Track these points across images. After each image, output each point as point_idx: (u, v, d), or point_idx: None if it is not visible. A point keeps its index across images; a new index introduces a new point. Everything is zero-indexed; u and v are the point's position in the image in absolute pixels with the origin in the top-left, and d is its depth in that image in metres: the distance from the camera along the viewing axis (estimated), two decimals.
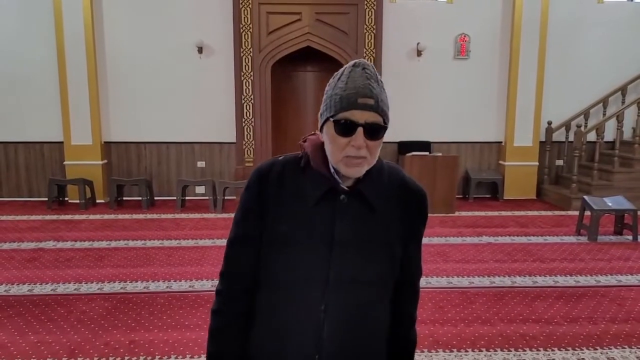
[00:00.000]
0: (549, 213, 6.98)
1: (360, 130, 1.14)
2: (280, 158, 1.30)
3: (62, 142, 7.52)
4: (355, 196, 1.22)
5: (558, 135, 7.93)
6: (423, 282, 4.25)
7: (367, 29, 7.36)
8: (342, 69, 1.21)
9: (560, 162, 8.08)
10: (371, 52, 7.42)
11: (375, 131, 1.15)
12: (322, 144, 1.23)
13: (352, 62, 1.21)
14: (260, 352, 1.29)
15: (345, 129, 1.15)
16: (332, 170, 1.22)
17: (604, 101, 7.84)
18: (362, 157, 1.16)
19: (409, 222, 1.28)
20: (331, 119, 1.16)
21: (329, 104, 1.18)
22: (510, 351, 3.17)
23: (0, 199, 7.71)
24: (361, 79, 1.16)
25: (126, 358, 3.06)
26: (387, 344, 1.34)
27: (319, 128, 1.25)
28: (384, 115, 1.17)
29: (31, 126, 7.57)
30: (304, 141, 1.28)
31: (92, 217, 6.69)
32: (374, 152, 1.18)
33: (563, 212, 7.00)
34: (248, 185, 1.29)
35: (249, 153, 7.43)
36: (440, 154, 7.14)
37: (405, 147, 7.59)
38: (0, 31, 7.34)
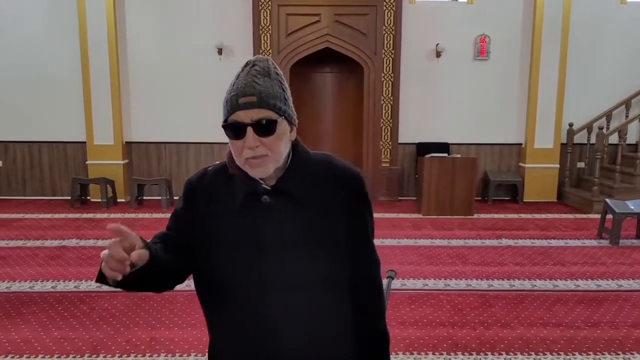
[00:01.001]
0: (570, 216, 6.89)
1: (249, 129, 1.11)
2: (210, 168, 1.29)
3: (84, 142, 7.66)
4: (279, 194, 1.18)
5: (580, 137, 7.81)
6: (441, 284, 4.26)
7: (386, 30, 7.35)
8: None
9: (581, 165, 7.96)
10: (390, 53, 7.41)
11: (265, 127, 1.11)
12: None
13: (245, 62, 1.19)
14: (218, 350, 1.29)
15: (235, 132, 1.12)
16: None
17: (627, 103, 7.70)
18: (262, 155, 1.12)
19: (346, 208, 1.21)
20: (223, 124, 1.15)
21: (222, 110, 1.16)
22: (531, 355, 3.14)
23: (25, 197, 7.88)
24: (246, 77, 1.14)
25: (147, 355, 3.11)
26: (354, 342, 1.27)
27: None
28: (275, 107, 1.12)
29: (55, 126, 7.73)
30: (227, 150, 1.25)
31: (113, 215, 6.80)
32: (275, 148, 1.13)
33: (584, 215, 6.89)
34: (180, 198, 1.30)
35: None
36: (459, 156, 7.10)
37: (423, 148, 7.56)
38: (26, 35, 7.52)
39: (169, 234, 1.28)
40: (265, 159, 1.13)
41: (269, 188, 1.18)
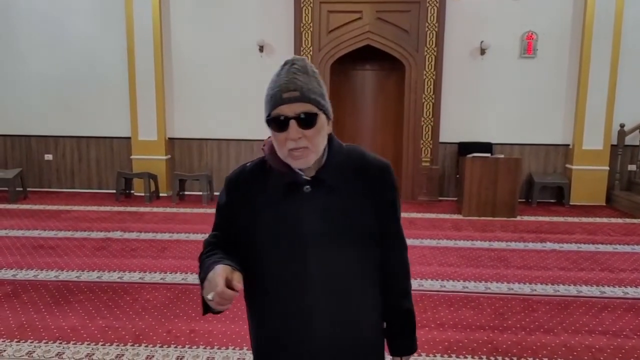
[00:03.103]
0: (620, 220, 6.61)
1: (292, 122, 1.18)
2: (248, 164, 1.36)
3: (129, 138, 7.90)
4: (318, 183, 1.25)
5: (631, 139, 7.47)
6: (482, 287, 4.16)
7: (429, 27, 7.24)
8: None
9: (633, 167, 7.62)
10: (432, 51, 7.30)
11: (308, 120, 1.19)
12: None
13: (284, 62, 1.26)
14: (261, 349, 1.37)
15: (279, 125, 1.20)
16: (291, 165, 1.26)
17: None
18: (303, 147, 1.19)
19: (377, 196, 1.31)
20: (267, 119, 1.22)
21: (265, 106, 1.24)
22: None
23: (73, 190, 8.19)
24: (287, 74, 1.21)
25: (187, 346, 3.17)
26: (383, 318, 1.40)
27: None
28: (315, 102, 1.20)
29: (102, 122, 8.00)
30: (264, 145, 1.33)
31: (155, 209, 6.97)
32: (315, 140, 1.21)
33: (635, 220, 6.60)
34: (220, 194, 1.37)
35: None
36: (502, 156, 6.93)
37: (465, 148, 7.41)
38: (76, 35, 7.81)
39: (219, 236, 1.36)
40: (307, 151, 1.21)
41: (309, 179, 1.26)
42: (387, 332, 1.42)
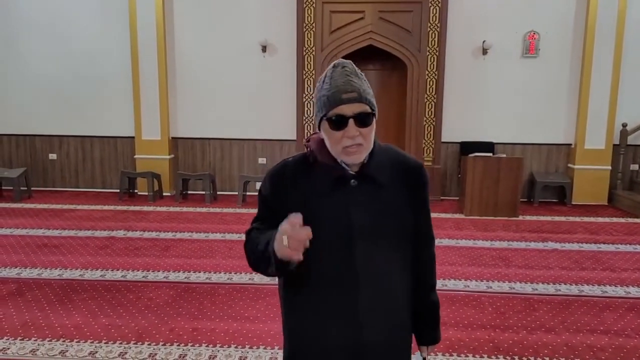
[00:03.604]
0: (622, 220, 6.61)
1: (351, 121, 1.27)
2: (290, 159, 1.43)
3: (133, 137, 7.93)
4: (364, 178, 1.35)
5: (634, 138, 7.47)
6: (483, 286, 4.18)
7: (431, 27, 7.25)
8: (324, 72, 1.35)
9: (635, 167, 7.62)
10: (434, 51, 7.31)
11: (364, 119, 1.29)
12: (324, 140, 1.36)
13: (331, 65, 1.34)
14: (301, 338, 1.40)
15: (338, 123, 1.28)
16: (338, 160, 1.34)
17: None
18: (358, 144, 1.29)
19: (413, 192, 1.41)
20: (325, 118, 1.29)
21: (319, 105, 1.31)
22: None
23: (77, 189, 8.23)
24: (342, 77, 1.29)
25: (189, 344, 3.19)
26: (412, 308, 1.48)
27: (317, 127, 1.37)
28: (369, 103, 1.30)
29: (106, 122, 8.03)
30: (308, 141, 1.42)
31: (159, 209, 7.00)
32: (368, 138, 1.31)
33: (637, 220, 6.59)
34: (263, 187, 1.41)
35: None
36: (504, 156, 6.92)
37: (467, 147, 7.42)
38: (80, 34, 7.84)
39: (263, 227, 1.40)
40: (360, 148, 1.30)
41: (354, 173, 1.35)
42: (416, 324, 1.51)
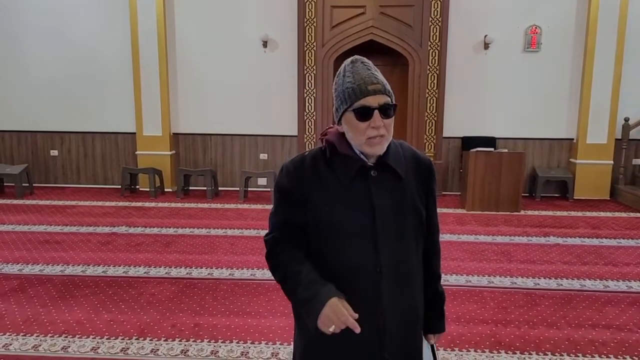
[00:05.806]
0: (624, 215, 6.59)
1: (376, 112, 1.32)
2: (307, 153, 1.47)
3: (134, 133, 7.92)
4: (383, 169, 1.40)
5: (636, 133, 7.44)
6: (485, 281, 4.18)
7: (433, 21, 7.22)
8: (342, 67, 1.39)
9: (637, 161, 7.59)
10: (436, 45, 7.28)
11: (387, 110, 1.34)
12: (343, 133, 1.40)
13: (349, 60, 1.39)
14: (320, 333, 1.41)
15: (364, 114, 1.32)
16: (357, 152, 1.39)
17: None
18: (381, 135, 1.34)
19: (424, 185, 1.48)
20: (350, 110, 1.33)
21: (343, 98, 1.35)
22: (578, 356, 3.04)
23: (79, 185, 8.24)
24: (364, 70, 1.35)
25: (191, 340, 3.20)
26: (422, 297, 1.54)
27: (336, 121, 1.41)
28: (391, 95, 1.36)
29: (107, 118, 8.03)
30: (324, 134, 1.46)
31: (160, 205, 7.01)
32: (390, 129, 1.37)
33: (639, 214, 6.58)
34: (281, 182, 1.44)
35: (310, 146, 7.51)
36: (505, 150, 6.91)
37: (469, 142, 7.40)
38: (81, 31, 7.83)
39: (284, 230, 1.45)
40: (383, 139, 1.36)
41: (372, 165, 1.40)
42: (424, 312, 1.55)
